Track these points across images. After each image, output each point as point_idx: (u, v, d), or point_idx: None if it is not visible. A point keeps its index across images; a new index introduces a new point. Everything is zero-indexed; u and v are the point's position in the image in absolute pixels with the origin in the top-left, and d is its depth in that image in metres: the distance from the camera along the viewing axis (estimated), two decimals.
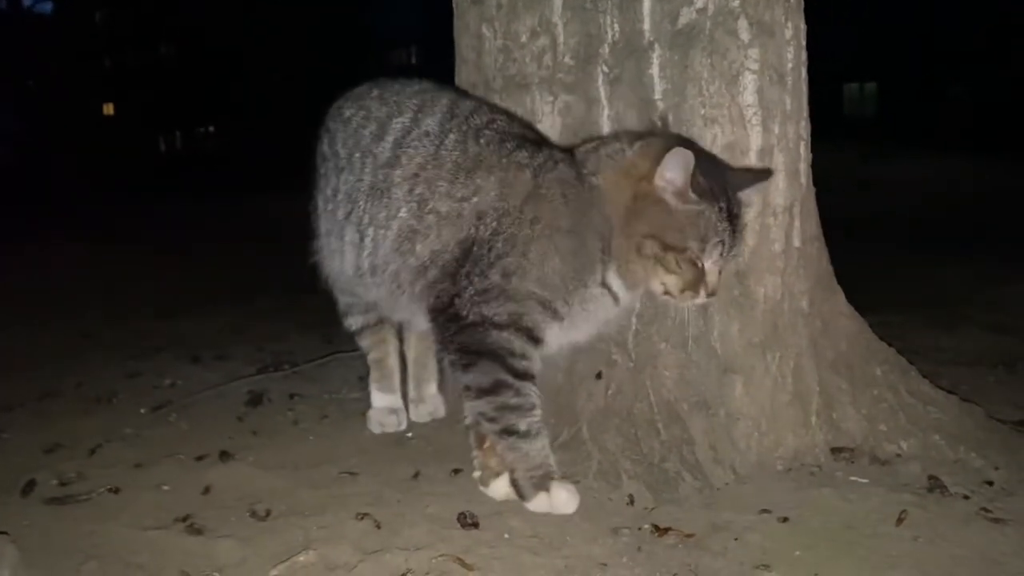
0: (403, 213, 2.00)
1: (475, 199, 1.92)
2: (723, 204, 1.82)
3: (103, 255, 7.71)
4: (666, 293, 1.88)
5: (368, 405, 2.52)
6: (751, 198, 1.99)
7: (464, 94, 2.22)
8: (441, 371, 2.56)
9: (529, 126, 2.14)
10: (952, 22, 18.89)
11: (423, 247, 1.97)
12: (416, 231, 1.98)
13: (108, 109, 29.63)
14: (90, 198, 15.38)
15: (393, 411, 2.47)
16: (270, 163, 20.41)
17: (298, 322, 4.45)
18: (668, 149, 1.77)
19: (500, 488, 1.97)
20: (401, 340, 2.53)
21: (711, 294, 1.87)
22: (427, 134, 2.02)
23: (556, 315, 1.90)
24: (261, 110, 25.45)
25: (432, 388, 2.55)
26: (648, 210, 1.84)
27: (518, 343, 1.88)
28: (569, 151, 1.98)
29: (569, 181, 1.90)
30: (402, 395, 2.52)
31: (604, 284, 1.92)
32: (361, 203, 2.09)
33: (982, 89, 18.59)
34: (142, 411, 2.83)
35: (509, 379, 1.88)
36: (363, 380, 2.86)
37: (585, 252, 1.88)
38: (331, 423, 2.54)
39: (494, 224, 1.89)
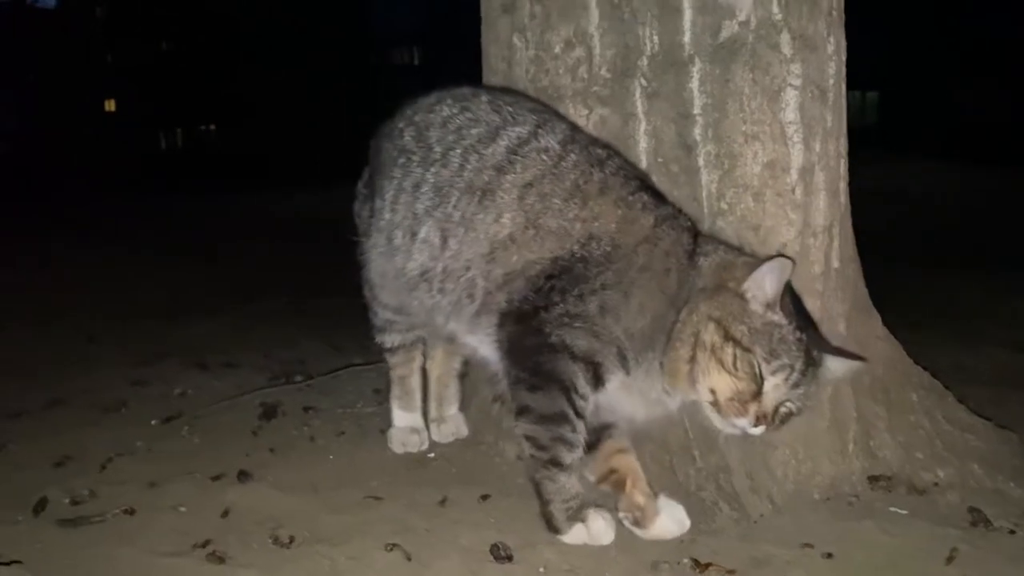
0: (505, 219, 1.89)
1: (592, 223, 1.84)
2: (802, 336, 1.74)
3: (103, 255, 7.64)
4: (713, 402, 1.75)
5: (386, 422, 2.45)
6: (832, 370, 1.86)
7: (579, 127, 2.10)
8: (463, 391, 2.51)
9: (646, 175, 2.06)
10: (957, 31, 18.90)
11: (518, 257, 1.87)
12: (515, 240, 1.88)
13: (110, 105, 29.51)
14: (90, 196, 15.28)
15: (415, 431, 2.39)
16: (271, 162, 20.41)
17: (304, 326, 4.40)
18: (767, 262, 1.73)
19: (664, 526, 1.88)
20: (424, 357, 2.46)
21: (759, 421, 1.73)
22: (546, 150, 1.92)
23: (624, 364, 1.83)
24: (263, 109, 25.36)
25: (454, 408, 2.48)
26: (724, 299, 1.76)
27: (584, 379, 1.81)
28: (692, 222, 1.94)
29: (683, 246, 1.84)
30: (423, 414, 2.45)
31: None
32: (453, 199, 1.95)
33: (987, 99, 18.58)
34: (152, 422, 2.76)
35: (571, 414, 1.81)
36: (378, 393, 2.80)
37: (665, 322, 1.80)
38: (349, 440, 2.46)
39: (607, 250, 1.82)
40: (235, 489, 2.12)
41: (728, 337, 1.72)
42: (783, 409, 1.77)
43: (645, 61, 2.08)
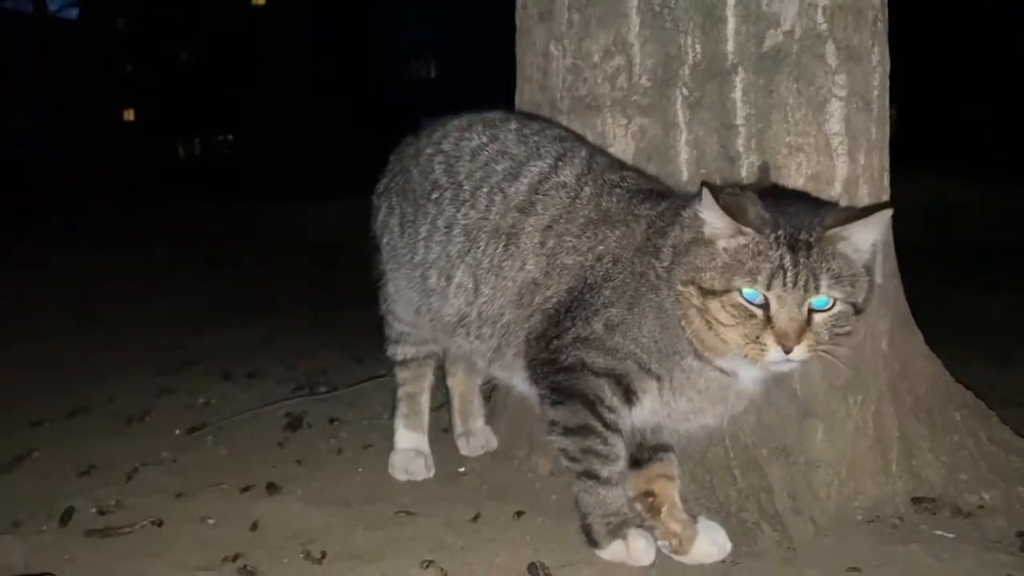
0: (530, 265, 1.88)
1: (599, 247, 1.81)
2: (779, 233, 1.56)
3: (122, 264, 7.64)
4: (744, 356, 1.60)
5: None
6: (860, 240, 1.61)
7: (600, 150, 2.05)
8: (488, 405, 2.46)
9: (657, 181, 2.00)
10: (973, 46, 18.79)
11: (540, 297, 1.86)
12: (539, 284, 1.87)
13: (128, 115, 29.75)
14: (107, 205, 15.37)
15: (420, 453, 2.29)
16: (287, 173, 20.49)
17: (325, 339, 4.36)
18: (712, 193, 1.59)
19: (705, 550, 1.81)
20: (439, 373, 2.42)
21: (785, 342, 1.54)
22: (564, 185, 1.90)
23: (652, 375, 1.76)
24: (280, 120, 25.50)
25: (480, 421, 2.44)
26: (689, 256, 1.64)
27: (610, 394, 1.76)
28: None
29: (674, 238, 1.72)
30: (450, 429, 2.41)
31: (701, 356, 1.70)
32: (482, 244, 1.94)
33: (1004, 114, 18.44)
34: (177, 432, 2.74)
35: (598, 426, 1.77)
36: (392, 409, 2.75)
37: (672, 318, 1.70)
38: (376, 453, 2.42)
39: (607, 267, 1.78)
40: (264, 502, 2.08)
41: (704, 292, 1.59)
42: (815, 317, 1.57)
43: (687, 70, 2.04)
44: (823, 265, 1.56)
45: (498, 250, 1.91)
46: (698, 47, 2.03)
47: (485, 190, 1.97)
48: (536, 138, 1.99)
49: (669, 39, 2.05)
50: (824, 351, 1.59)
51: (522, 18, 2.35)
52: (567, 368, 1.78)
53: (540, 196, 1.91)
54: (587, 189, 1.89)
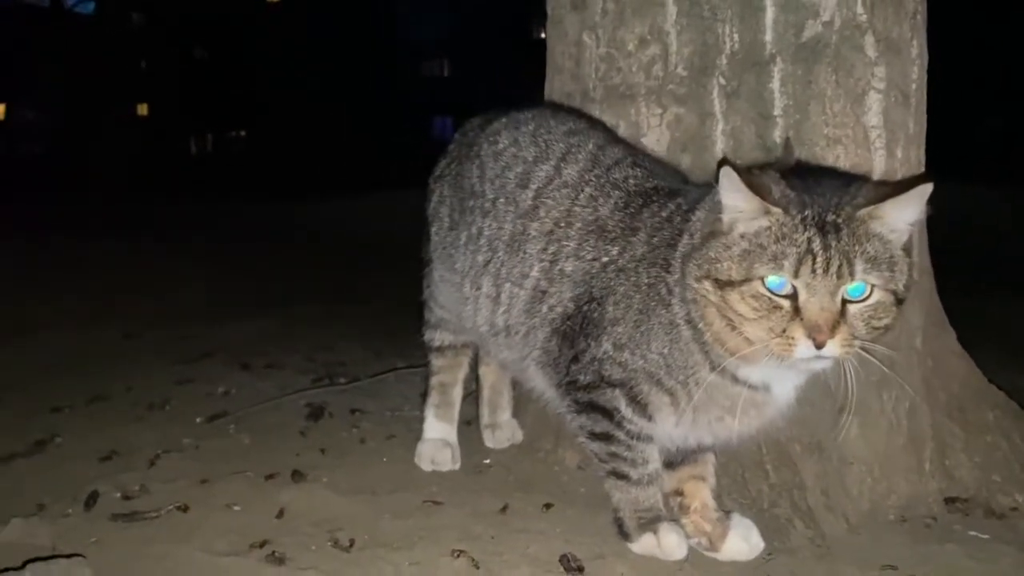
0: (535, 272, 1.85)
1: (603, 257, 1.76)
2: (806, 212, 1.44)
3: (137, 256, 7.64)
4: (771, 355, 1.46)
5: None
6: (896, 219, 1.47)
7: (613, 139, 2.00)
8: (516, 397, 2.44)
9: (669, 173, 1.92)
10: (987, 54, 18.66)
11: (547, 307, 1.83)
12: (545, 292, 1.84)
13: (142, 110, 29.86)
14: (121, 198, 15.40)
15: (448, 444, 2.27)
16: (299, 170, 20.50)
17: (342, 330, 4.35)
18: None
19: (736, 547, 1.77)
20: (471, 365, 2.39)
21: (817, 335, 1.40)
22: (566, 184, 1.86)
23: (664, 390, 1.67)
24: (292, 117, 25.55)
25: (507, 414, 2.42)
26: (703, 250, 1.53)
27: (624, 406, 1.72)
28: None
29: (684, 246, 1.62)
30: (476, 420, 2.38)
31: (719, 368, 1.57)
32: (500, 254, 1.92)
33: (1018, 122, 18.31)
34: (198, 420, 2.71)
35: (620, 435, 1.75)
36: (423, 397, 2.73)
37: (677, 330, 1.62)
38: (400, 444, 2.40)
39: (610, 280, 1.73)
40: (289, 489, 2.06)
41: (721, 284, 1.48)
42: (849, 308, 1.44)
43: (724, 60, 2.02)
44: (857, 248, 1.42)
45: (510, 259, 1.90)
46: (736, 36, 2.01)
47: (502, 201, 1.95)
48: (547, 136, 1.96)
49: (707, 28, 2.02)
50: (861, 347, 1.46)
51: (554, 7, 2.33)
52: (586, 386, 1.76)
53: (544, 200, 1.88)
54: (587, 190, 1.83)
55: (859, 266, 1.43)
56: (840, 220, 1.43)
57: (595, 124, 2.06)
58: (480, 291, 1.97)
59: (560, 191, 1.87)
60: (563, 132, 1.97)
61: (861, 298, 1.45)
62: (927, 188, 1.46)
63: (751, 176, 1.48)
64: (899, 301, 1.49)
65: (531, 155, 1.95)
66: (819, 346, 1.42)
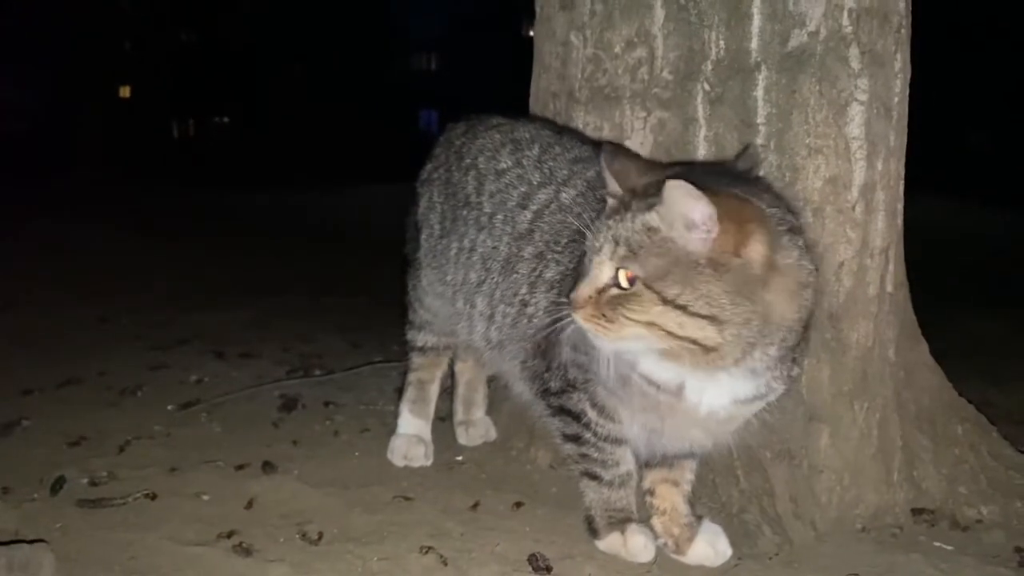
0: (523, 291, 1.87)
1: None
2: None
3: (115, 239, 7.57)
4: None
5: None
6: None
7: None
8: (491, 395, 2.44)
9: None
10: (972, 69, 18.85)
11: (526, 319, 1.85)
12: (527, 303, 1.86)
13: (124, 92, 29.51)
14: (101, 180, 15.25)
15: (421, 440, 2.27)
16: (282, 159, 20.37)
17: (321, 323, 4.34)
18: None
19: (702, 553, 1.79)
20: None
21: (577, 307, 1.48)
22: (560, 209, 1.87)
23: (614, 395, 1.69)
24: (277, 105, 25.37)
25: (481, 412, 2.42)
26: None
27: (589, 408, 1.75)
28: None
29: None
30: (450, 416, 2.38)
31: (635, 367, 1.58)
32: (495, 276, 1.93)
33: (1004, 138, 18.52)
34: (169, 408, 2.70)
35: (588, 436, 1.77)
36: (399, 393, 2.72)
37: None
38: (373, 438, 2.39)
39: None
40: (259, 481, 2.05)
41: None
42: (609, 292, 1.46)
43: (709, 65, 2.02)
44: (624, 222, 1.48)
45: (504, 281, 1.91)
46: (722, 43, 2.01)
47: (500, 218, 1.96)
48: (552, 163, 1.97)
49: (693, 33, 2.03)
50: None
51: (543, 6, 2.32)
52: (557, 392, 1.80)
53: (539, 224, 1.89)
54: (576, 210, 1.80)
55: (613, 235, 1.52)
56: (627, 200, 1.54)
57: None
58: (475, 309, 1.99)
59: (554, 216, 1.88)
60: (571, 159, 1.97)
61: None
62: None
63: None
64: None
65: (535, 180, 1.96)
66: (584, 320, 1.49)
